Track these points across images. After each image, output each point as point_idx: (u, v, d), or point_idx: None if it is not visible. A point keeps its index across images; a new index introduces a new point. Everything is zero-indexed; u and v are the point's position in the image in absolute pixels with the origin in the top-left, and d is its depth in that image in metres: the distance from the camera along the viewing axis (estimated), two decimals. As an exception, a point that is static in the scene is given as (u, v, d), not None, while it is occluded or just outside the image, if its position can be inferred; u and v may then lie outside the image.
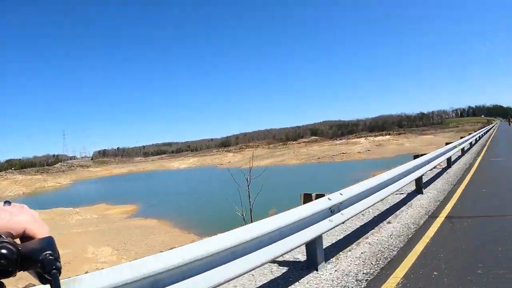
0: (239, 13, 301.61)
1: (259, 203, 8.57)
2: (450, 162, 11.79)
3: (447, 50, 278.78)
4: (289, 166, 75.68)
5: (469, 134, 20.67)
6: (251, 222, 2.95)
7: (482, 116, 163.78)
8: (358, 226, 5.40)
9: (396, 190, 6.37)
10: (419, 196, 7.29)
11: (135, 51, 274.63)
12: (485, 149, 17.57)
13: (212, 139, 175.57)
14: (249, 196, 7.87)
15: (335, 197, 3.98)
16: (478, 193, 7.26)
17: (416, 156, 7.77)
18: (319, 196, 4.45)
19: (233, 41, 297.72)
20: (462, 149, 15.63)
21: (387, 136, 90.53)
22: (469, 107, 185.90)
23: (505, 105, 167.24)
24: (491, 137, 29.87)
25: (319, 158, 75.35)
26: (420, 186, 7.56)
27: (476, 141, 23.03)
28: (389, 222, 5.56)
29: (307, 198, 4.88)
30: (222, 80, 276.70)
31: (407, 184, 6.82)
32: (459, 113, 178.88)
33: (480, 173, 9.89)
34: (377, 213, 6.13)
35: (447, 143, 12.12)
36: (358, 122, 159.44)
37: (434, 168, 12.52)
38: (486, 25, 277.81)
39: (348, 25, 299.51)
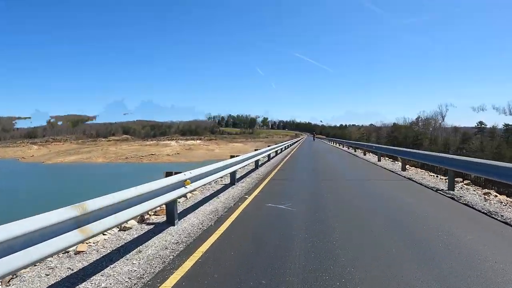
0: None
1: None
2: (173, 216, 5.71)
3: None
4: (95, 164, 72.68)
5: (256, 150, 16.50)
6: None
7: (286, 129, 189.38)
8: None
9: None
10: None
11: None
12: (272, 174, 12.39)
13: (17, 129, 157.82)
14: None
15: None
16: None
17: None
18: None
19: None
20: (233, 174, 10.00)
21: (198, 141, 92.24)
22: (280, 120, 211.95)
23: (313, 123, 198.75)
24: (293, 151, 27.76)
25: (127, 158, 73.51)
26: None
27: (269, 158, 19.15)
28: None
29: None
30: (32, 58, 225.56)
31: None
32: (270, 125, 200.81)
33: (218, 259, 4.11)
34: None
35: (171, 173, 6.30)
36: (172, 124, 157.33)
37: (148, 219, 5.95)
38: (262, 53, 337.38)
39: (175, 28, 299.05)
